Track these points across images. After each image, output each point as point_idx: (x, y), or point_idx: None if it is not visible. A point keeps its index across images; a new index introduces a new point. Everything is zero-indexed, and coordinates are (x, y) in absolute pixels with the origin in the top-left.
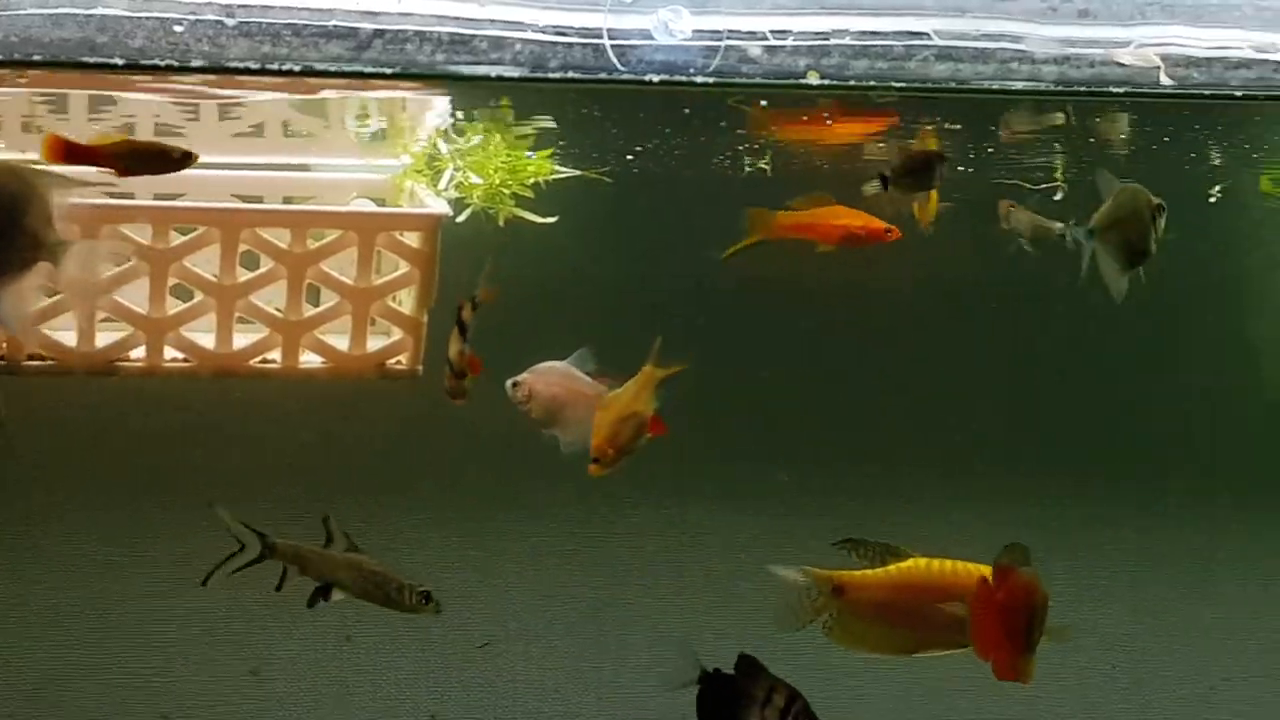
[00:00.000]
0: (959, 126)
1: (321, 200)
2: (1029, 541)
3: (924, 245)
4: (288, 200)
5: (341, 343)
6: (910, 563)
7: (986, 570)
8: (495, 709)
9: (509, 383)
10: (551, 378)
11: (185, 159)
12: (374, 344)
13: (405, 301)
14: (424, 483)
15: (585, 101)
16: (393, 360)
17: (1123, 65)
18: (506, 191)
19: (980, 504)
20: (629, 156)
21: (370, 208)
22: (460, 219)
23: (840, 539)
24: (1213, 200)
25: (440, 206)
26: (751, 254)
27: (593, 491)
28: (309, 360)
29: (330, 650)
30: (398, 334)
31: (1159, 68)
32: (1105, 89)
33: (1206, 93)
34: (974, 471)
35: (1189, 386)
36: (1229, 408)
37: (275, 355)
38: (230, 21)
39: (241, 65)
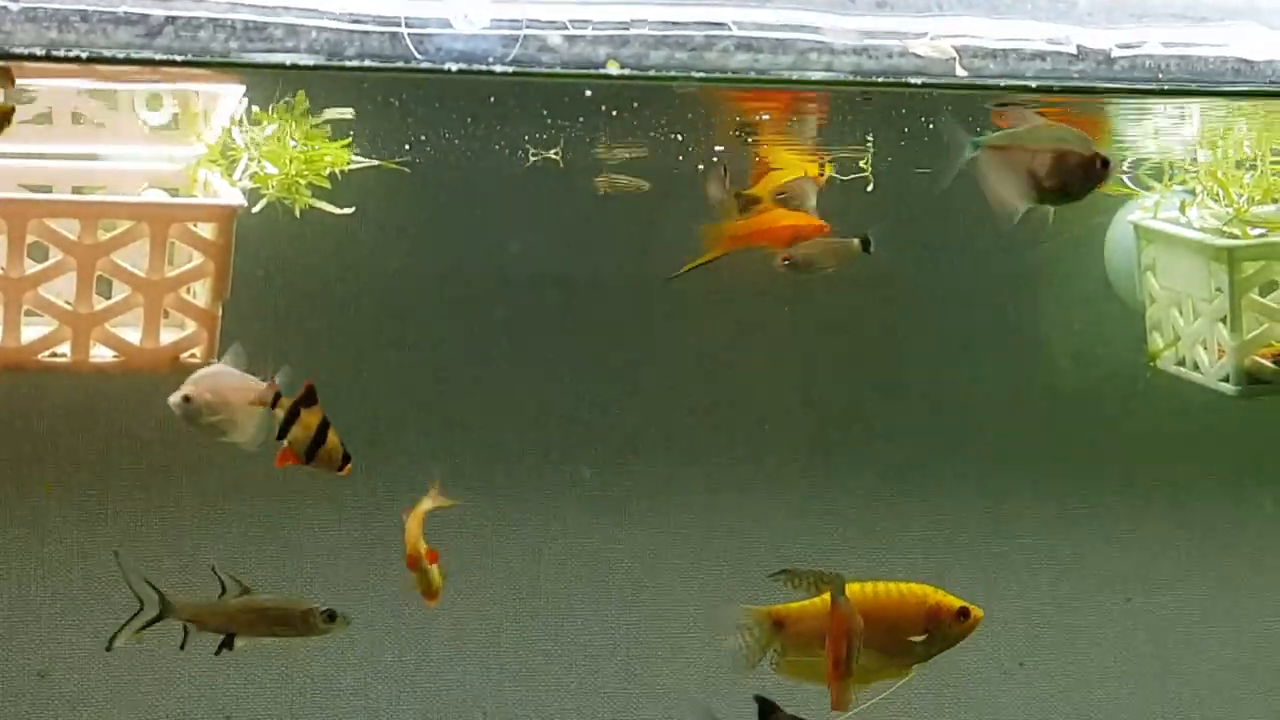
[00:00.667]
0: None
1: (112, 190)
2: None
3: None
4: (77, 190)
5: (134, 335)
6: (851, 588)
7: (928, 591)
8: (293, 706)
9: (175, 399)
10: (215, 384)
11: None
12: (167, 337)
13: (199, 294)
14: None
15: (383, 90)
16: (187, 353)
17: (919, 56)
18: (303, 182)
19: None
20: (428, 147)
21: (163, 198)
22: (255, 209)
23: (776, 570)
24: None
25: (235, 197)
26: (540, 246)
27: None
28: (100, 354)
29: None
30: (192, 326)
31: (954, 59)
32: (902, 80)
33: (1001, 84)
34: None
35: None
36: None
37: (65, 349)
38: (14, 6)
39: (26, 51)
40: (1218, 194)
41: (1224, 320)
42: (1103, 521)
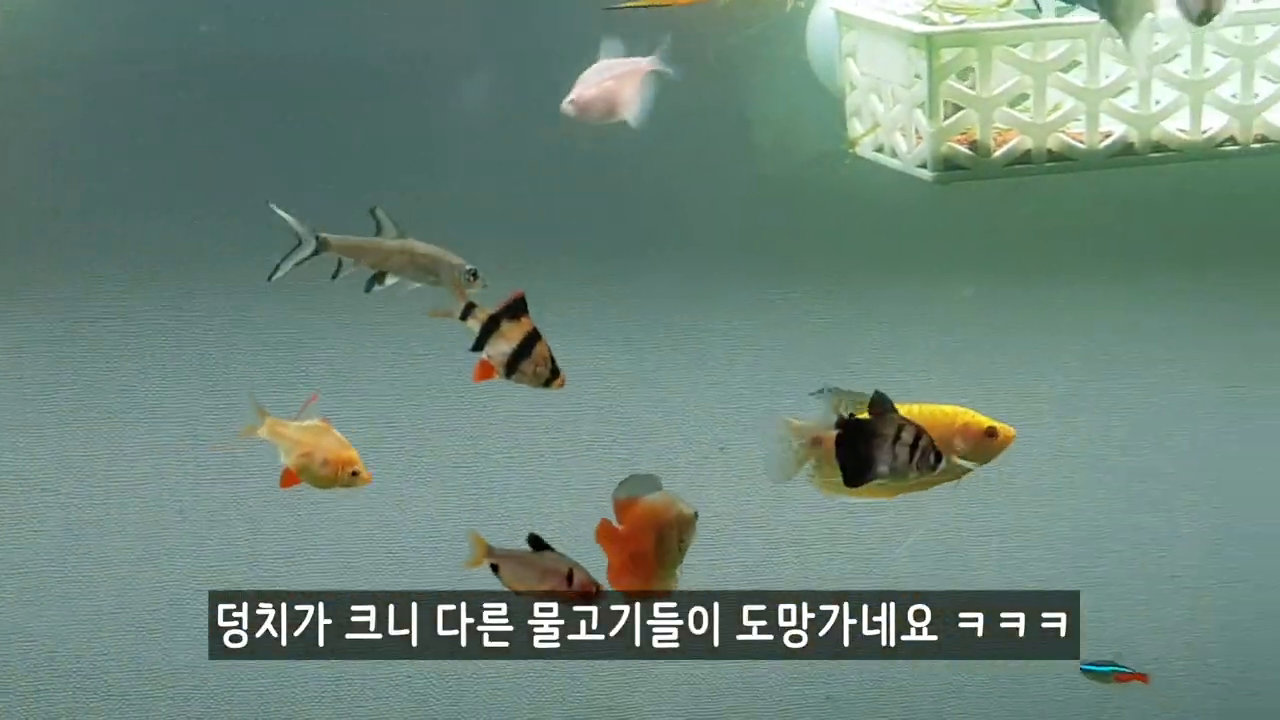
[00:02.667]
0: None
1: None
2: None
3: None
4: None
5: None
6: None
7: (959, 411)
8: None
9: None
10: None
11: None
12: None
13: None
14: None
15: None
16: None
17: None
18: None
19: None
20: None
21: None
22: None
23: (818, 389)
24: None
25: None
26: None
27: None
28: None
29: None
30: None
31: None
32: None
33: None
34: None
35: None
36: None
37: None
38: None
39: None
40: None
41: (922, 107)
42: (801, 307)
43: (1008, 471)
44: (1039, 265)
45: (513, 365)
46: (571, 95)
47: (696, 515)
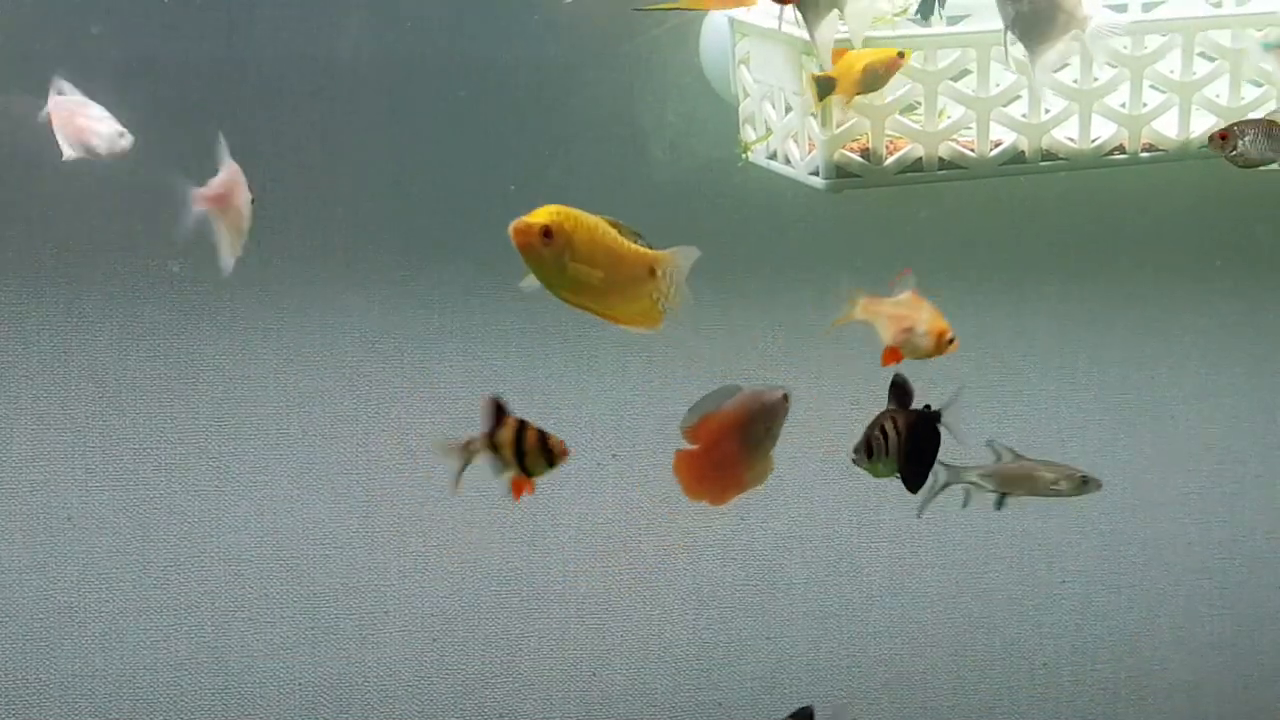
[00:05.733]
0: None
1: None
2: None
3: None
4: None
5: None
6: None
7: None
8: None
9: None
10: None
11: None
12: None
13: None
14: None
15: None
16: None
17: None
18: None
19: None
20: None
21: None
22: None
23: None
24: None
25: None
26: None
27: None
28: None
29: None
30: None
31: None
32: None
33: None
34: None
35: None
36: None
37: None
38: None
39: None
40: None
41: (814, 114)
42: (694, 312)
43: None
44: (931, 272)
45: (520, 458)
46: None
47: (786, 396)
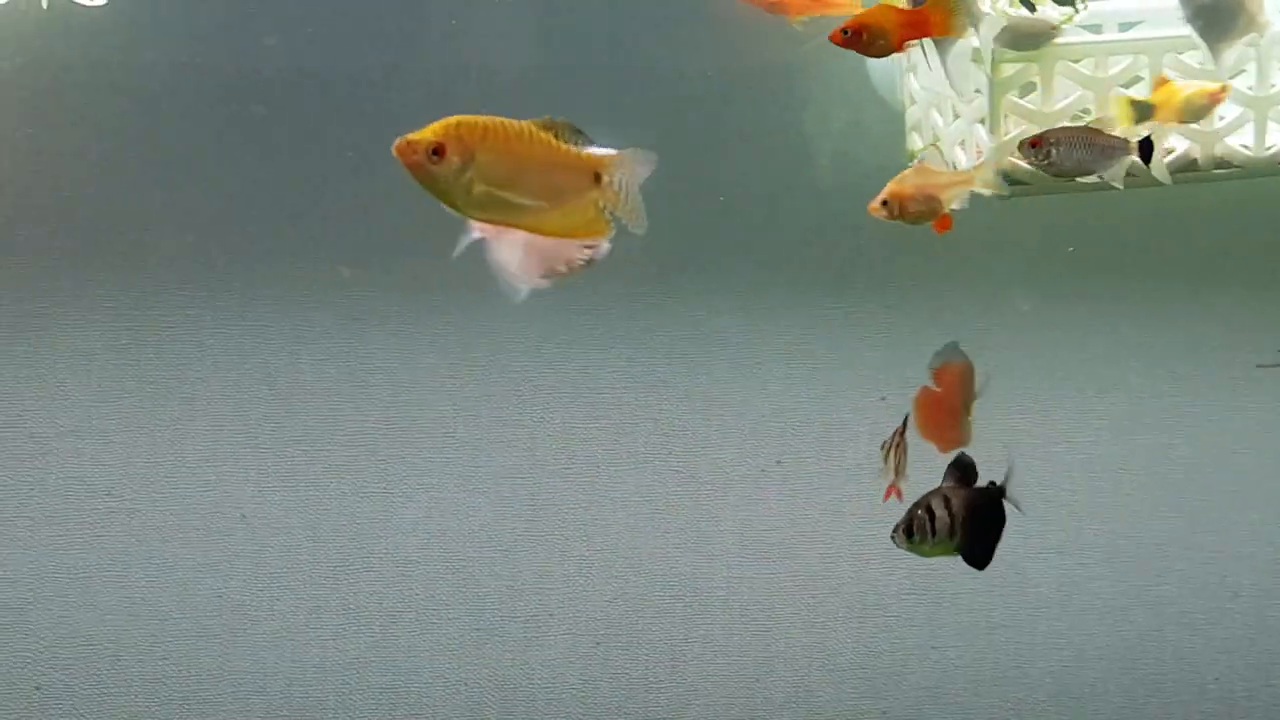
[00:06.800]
0: None
1: None
2: None
3: None
4: None
5: None
6: None
7: None
8: (46, 507)
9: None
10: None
11: None
12: None
13: None
14: None
15: None
16: None
17: None
18: None
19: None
20: None
21: None
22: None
23: None
24: None
25: None
26: (306, 40)
27: None
28: None
29: None
30: None
31: None
32: None
33: None
34: None
35: None
36: None
37: None
38: None
39: None
40: None
41: (983, 121)
42: (857, 321)
43: (1068, 489)
44: (1100, 280)
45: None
46: None
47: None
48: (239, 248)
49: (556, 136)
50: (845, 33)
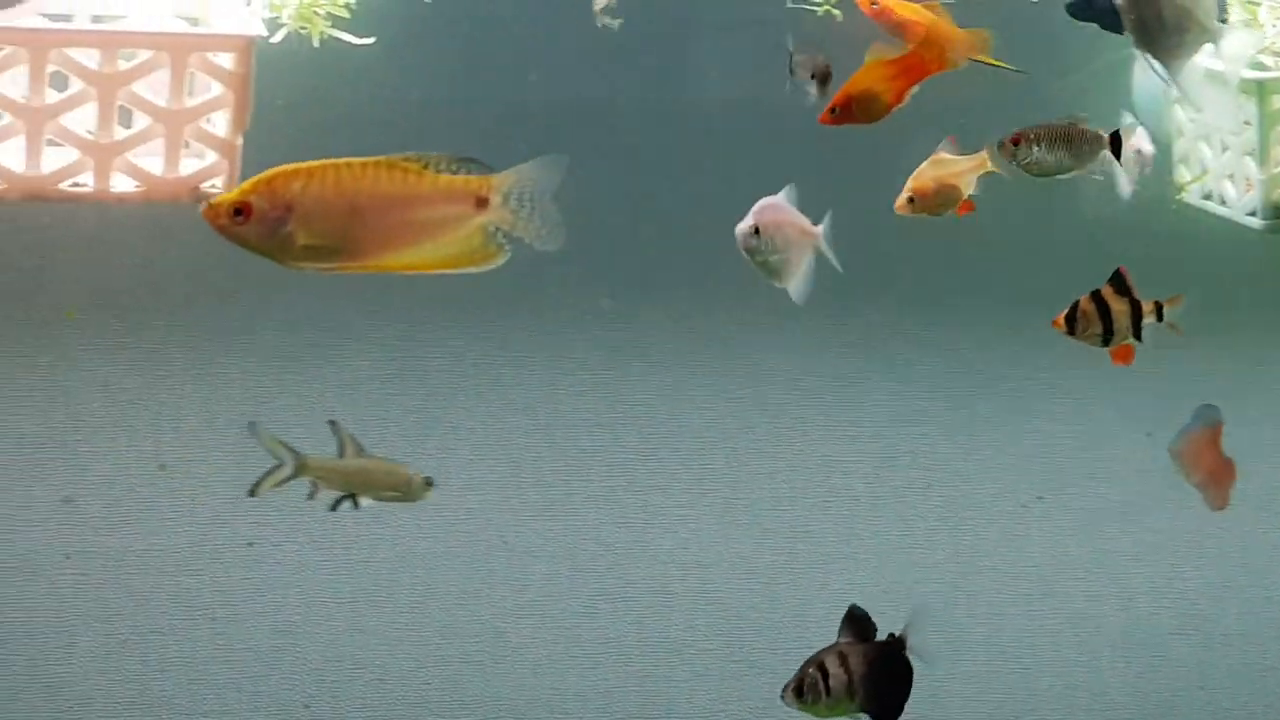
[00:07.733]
0: None
1: (132, 18)
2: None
3: None
4: (97, 19)
5: (155, 166)
6: None
7: None
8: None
9: (744, 226)
10: (777, 219)
11: None
12: (188, 167)
13: (219, 124)
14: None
15: None
16: (208, 183)
17: None
18: (320, 11)
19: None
20: None
21: (182, 27)
22: (274, 39)
23: None
24: None
25: (252, 26)
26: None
27: None
28: (121, 184)
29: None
30: (212, 157)
31: None
32: None
33: None
34: None
35: None
36: None
37: (87, 179)
38: None
39: None
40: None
41: (1252, 154)
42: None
43: None
44: None
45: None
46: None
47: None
48: (494, 279)
49: (428, 168)
50: (833, 111)
